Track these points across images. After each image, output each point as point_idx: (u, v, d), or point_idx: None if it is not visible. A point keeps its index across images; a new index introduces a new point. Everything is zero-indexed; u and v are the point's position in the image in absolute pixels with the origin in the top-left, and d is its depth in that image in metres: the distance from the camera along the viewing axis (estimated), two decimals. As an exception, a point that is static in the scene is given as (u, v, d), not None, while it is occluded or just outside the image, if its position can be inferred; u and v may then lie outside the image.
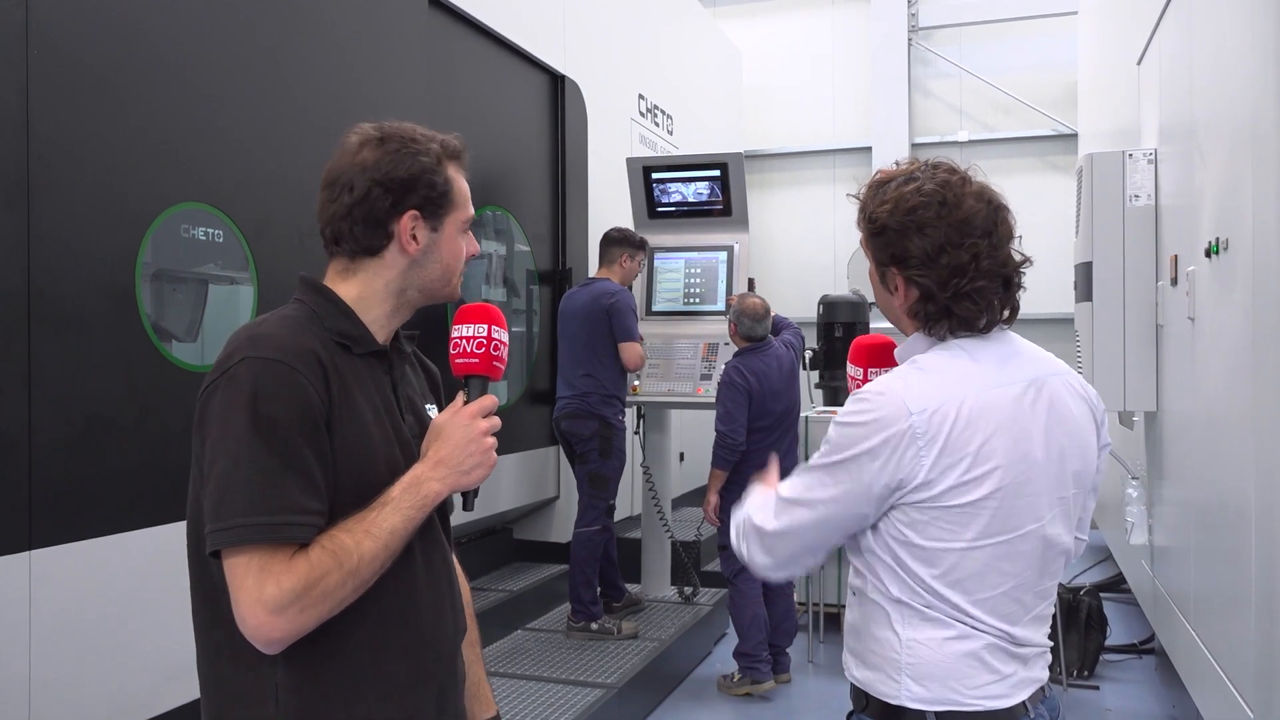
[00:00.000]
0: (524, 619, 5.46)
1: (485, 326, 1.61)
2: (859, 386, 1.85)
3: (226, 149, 3.47)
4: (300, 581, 1.37)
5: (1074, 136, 9.78)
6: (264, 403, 1.40)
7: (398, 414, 1.61)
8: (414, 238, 1.58)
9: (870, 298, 8.13)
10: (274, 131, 3.69)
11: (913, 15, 10.29)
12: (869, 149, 10.46)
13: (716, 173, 5.72)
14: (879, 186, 1.72)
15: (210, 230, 3.40)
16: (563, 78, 6.05)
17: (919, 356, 1.69)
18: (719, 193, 5.77)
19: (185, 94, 3.30)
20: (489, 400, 1.59)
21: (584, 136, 6.29)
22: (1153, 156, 4.39)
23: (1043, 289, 10.10)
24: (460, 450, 1.52)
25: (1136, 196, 4.37)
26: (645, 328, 5.79)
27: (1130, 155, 4.44)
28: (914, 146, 10.37)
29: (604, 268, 5.42)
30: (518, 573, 5.95)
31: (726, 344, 5.61)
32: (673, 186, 5.84)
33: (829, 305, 6.96)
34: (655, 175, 5.84)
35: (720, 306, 5.75)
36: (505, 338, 1.64)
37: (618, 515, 6.53)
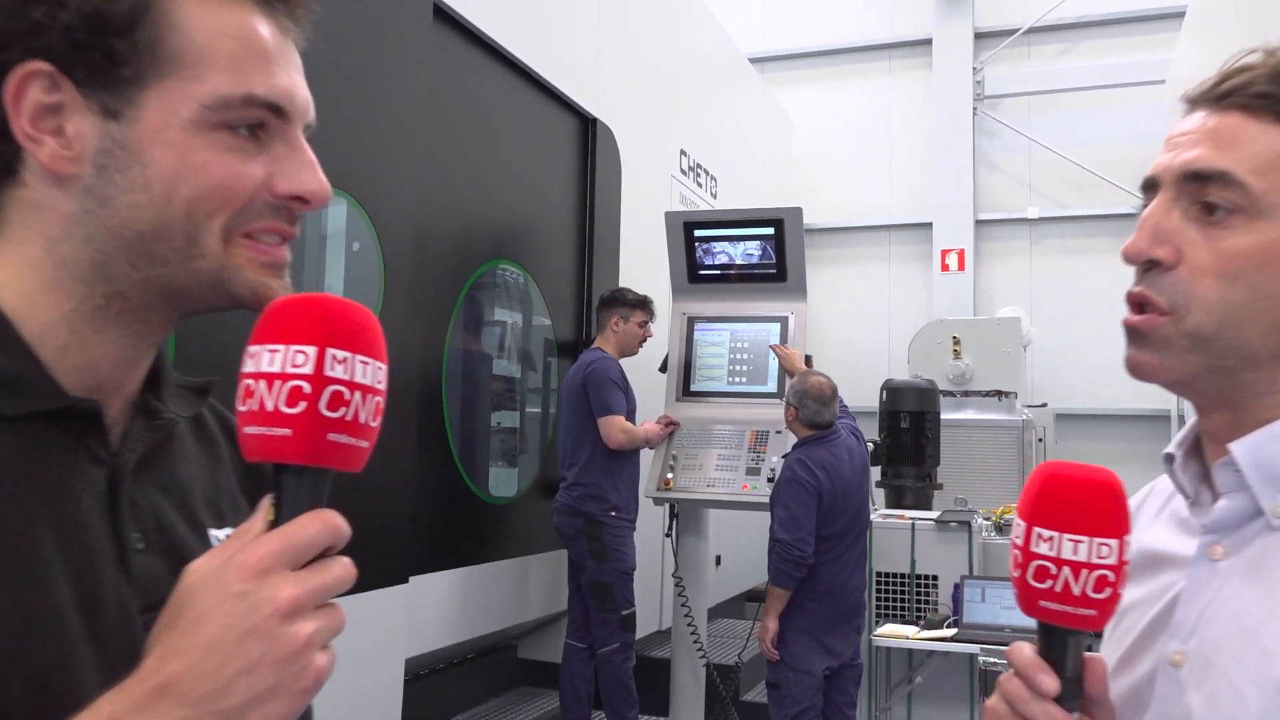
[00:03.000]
0: (525, 761, 4.48)
1: (311, 351, 0.65)
2: (1091, 577, 0.82)
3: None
4: None
5: (1158, 215, 8.89)
6: None
7: (104, 554, 0.71)
8: (56, 132, 0.71)
9: (950, 382, 7.18)
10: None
11: (978, 83, 9.55)
12: (929, 225, 9.65)
13: (770, 230, 4.87)
14: None
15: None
16: (594, 121, 5.28)
17: None
18: (772, 254, 4.91)
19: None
20: (311, 526, 0.65)
21: (617, 188, 5.49)
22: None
23: (1130, 383, 9.11)
24: (222, 657, 0.61)
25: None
26: (682, 410, 4.89)
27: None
28: (978, 223, 9.53)
29: (598, 337, 4.74)
30: (522, 701, 4.97)
31: (779, 432, 4.69)
32: (718, 246, 4.99)
33: (894, 391, 6.04)
34: (698, 233, 5.00)
35: (771, 387, 4.85)
36: (374, 378, 0.67)
37: (645, 628, 5.57)
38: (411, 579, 3.74)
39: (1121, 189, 9.05)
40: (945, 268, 9.45)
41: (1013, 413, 6.87)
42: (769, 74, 10.09)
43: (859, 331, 9.68)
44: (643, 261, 5.63)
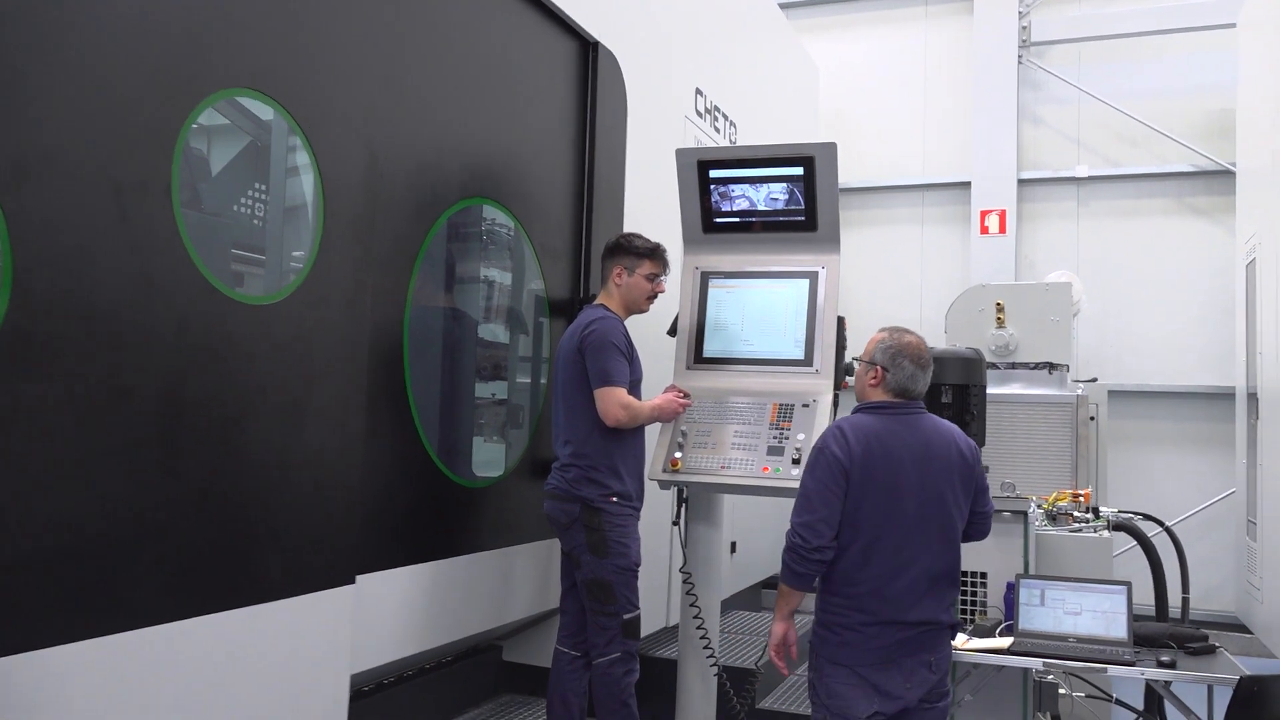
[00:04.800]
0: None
1: None
2: None
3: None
4: None
5: (1223, 174, 8.13)
6: None
7: None
8: None
9: (992, 354, 6.47)
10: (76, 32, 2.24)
11: (1023, 29, 8.75)
12: (967, 184, 8.90)
13: (798, 170, 4.17)
14: None
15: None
16: (596, 45, 4.57)
17: None
18: (800, 199, 4.22)
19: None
20: None
21: (622, 123, 4.79)
22: None
23: (1188, 357, 8.38)
24: None
25: None
26: (693, 380, 4.21)
27: None
28: (1021, 183, 8.77)
29: (600, 292, 4.08)
30: (506, 711, 4.35)
31: (806, 405, 4.02)
32: (737, 190, 4.30)
33: (935, 361, 5.33)
34: (714, 173, 4.30)
35: (797, 354, 4.17)
36: None
37: (650, 625, 4.93)
38: (360, 578, 3.10)
39: (1181, 144, 8.27)
40: (985, 230, 8.71)
41: (1065, 387, 6.15)
42: (793, 20, 9.32)
43: (889, 299, 8.95)
44: (652, 210, 4.94)
